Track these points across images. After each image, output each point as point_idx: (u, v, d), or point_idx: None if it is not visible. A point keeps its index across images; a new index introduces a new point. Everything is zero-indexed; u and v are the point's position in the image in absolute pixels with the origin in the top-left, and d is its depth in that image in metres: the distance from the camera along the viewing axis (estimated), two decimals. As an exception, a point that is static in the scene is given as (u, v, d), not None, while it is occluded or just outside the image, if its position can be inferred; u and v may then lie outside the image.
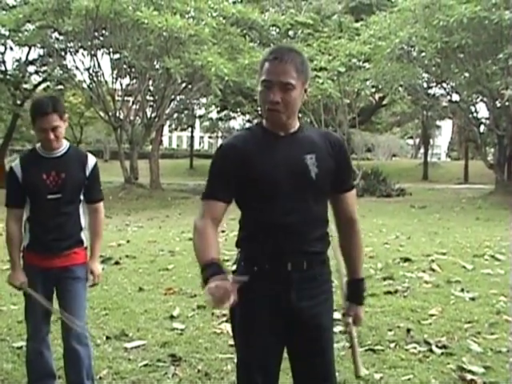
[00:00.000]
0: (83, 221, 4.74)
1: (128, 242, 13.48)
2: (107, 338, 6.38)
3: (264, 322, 3.13)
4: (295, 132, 3.16)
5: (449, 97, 33.63)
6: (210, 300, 2.71)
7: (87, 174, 4.65)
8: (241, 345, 3.26)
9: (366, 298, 3.44)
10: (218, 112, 51.16)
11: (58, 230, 4.55)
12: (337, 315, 3.81)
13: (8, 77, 37.56)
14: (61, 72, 34.81)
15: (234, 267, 3.27)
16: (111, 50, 30.98)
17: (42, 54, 37.13)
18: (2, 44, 35.06)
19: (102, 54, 32.56)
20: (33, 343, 4.74)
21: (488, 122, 32.54)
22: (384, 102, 42.95)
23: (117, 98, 32.83)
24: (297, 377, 3.31)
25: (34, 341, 4.73)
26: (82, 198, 4.70)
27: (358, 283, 3.37)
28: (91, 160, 4.69)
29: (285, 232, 3.05)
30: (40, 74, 40.19)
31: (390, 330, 6.53)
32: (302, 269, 3.09)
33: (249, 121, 54.54)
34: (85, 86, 33.15)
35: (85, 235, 4.76)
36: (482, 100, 31.10)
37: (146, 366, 5.56)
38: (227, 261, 10.54)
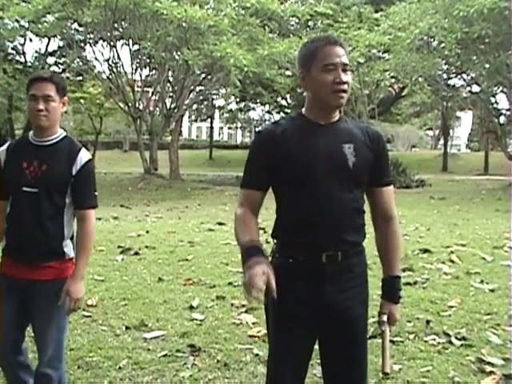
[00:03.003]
0: (67, 229, 3.94)
1: (147, 232, 13.51)
2: (127, 328, 6.41)
3: (296, 316, 3.13)
4: (335, 122, 3.17)
5: (469, 87, 33.50)
6: (246, 287, 2.78)
7: (74, 171, 3.86)
8: (272, 337, 3.27)
9: (401, 297, 3.36)
10: (238, 103, 51.07)
11: (34, 234, 3.82)
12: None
13: (28, 68, 37.74)
14: (80, 63, 34.93)
15: (270, 259, 3.22)
16: (131, 41, 31.07)
17: (61, 45, 37.30)
18: (21, 36, 35.19)
19: (122, 45, 32.76)
20: (6, 371, 4.15)
21: (508, 112, 32.38)
22: (403, 93, 42.77)
23: (136, 88, 32.92)
24: (325, 370, 3.32)
25: (6, 369, 4.14)
26: (67, 200, 3.92)
27: (393, 280, 3.29)
28: (83, 156, 3.92)
29: (321, 220, 3.05)
30: (59, 65, 40.39)
31: (410, 322, 6.53)
32: (336, 261, 3.08)
33: (268, 111, 54.50)
34: (104, 76, 33.31)
35: (69, 246, 3.97)
36: (502, 91, 30.96)
37: (165, 356, 5.58)
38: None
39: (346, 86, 3.06)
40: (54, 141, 3.91)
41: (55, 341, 3.94)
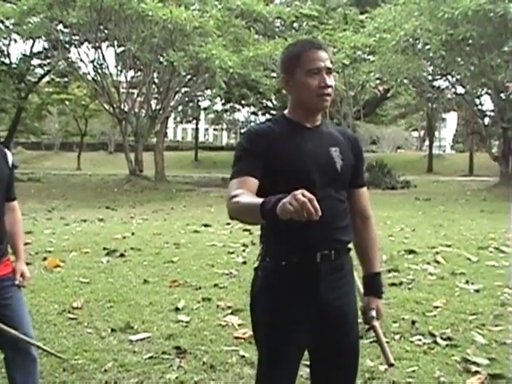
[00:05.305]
0: None
1: (133, 234, 13.47)
2: (112, 330, 6.38)
3: (293, 318, 3.11)
4: (319, 125, 3.19)
5: (454, 89, 33.67)
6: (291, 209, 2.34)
7: (10, 169, 4.02)
8: (263, 341, 3.23)
9: (383, 292, 3.43)
10: (223, 104, 51.15)
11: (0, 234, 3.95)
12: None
13: (13, 69, 37.62)
14: (65, 65, 34.85)
15: (257, 264, 3.22)
16: (116, 42, 31.08)
17: (46, 46, 37.20)
18: (4, 37, 35.02)
19: (107, 47, 32.71)
20: None
21: (493, 114, 32.59)
22: (389, 95, 42.85)
23: (121, 90, 32.91)
24: (316, 370, 3.30)
25: None
26: None
27: (376, 277, 3.38)
28: (9, 154, 4.04)
29: (314, 222, 3.03)
30: (44, 66, 40.27)
31: (395, 322, 6.53)
32: (330, 259, 3.09)
33: (254, 113, 54.59)
34: (89, 78, 33.26)
35: None
36: (486, 92, 31.17)
37: (151, 358, 5.55)
38: (232, 253, 10.59)
39: (330, 90, 3.08)
40: None
41: (29, 322, 4.20)
